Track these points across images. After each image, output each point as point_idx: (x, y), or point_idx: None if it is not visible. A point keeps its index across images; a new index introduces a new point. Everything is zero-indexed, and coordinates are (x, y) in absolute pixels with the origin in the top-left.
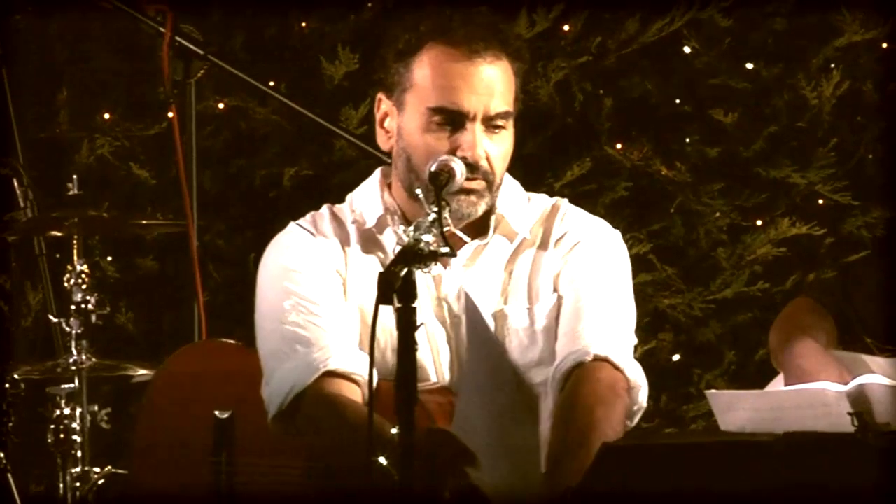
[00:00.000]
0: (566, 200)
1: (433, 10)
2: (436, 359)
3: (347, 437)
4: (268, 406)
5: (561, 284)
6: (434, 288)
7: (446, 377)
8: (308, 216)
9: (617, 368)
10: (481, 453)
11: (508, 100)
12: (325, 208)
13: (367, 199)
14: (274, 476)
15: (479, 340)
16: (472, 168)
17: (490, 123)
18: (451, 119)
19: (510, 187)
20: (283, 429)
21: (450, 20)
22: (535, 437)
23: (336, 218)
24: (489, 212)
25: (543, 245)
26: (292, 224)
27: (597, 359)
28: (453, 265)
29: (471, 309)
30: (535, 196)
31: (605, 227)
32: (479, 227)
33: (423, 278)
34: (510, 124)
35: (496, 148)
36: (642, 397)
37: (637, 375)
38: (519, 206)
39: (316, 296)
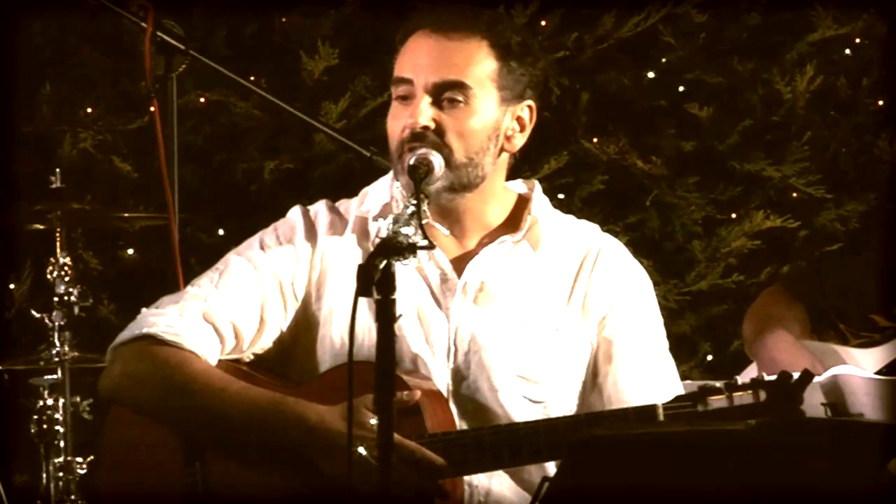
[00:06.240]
0: (607, 236)
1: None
2: (432, 348)
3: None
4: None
5: (609, 329)
6: (454, 273)
7: (445, 364)
8: (310, 206)
9: None
10: None
11: (464, 72)
12: (321, 203)
13: (378, 189)
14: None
15: None
16: (415, 136)
17: (441, 96)
18: (405, 93)
19: (544, 200)
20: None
21: (436, 11)
22: None
23: (333, 210)
24: (501, 210)
25: (573, 267)
26: (294, 210)
27: None
28: (479, 258)
29: None
30: (569, 217)
31: (642, 272)
32: (483, 224)
33: (428, 264)
34: (473, 100)
35: (452, 122)
36: None
37: None
38: (552, 217)
39: (241, 278)
